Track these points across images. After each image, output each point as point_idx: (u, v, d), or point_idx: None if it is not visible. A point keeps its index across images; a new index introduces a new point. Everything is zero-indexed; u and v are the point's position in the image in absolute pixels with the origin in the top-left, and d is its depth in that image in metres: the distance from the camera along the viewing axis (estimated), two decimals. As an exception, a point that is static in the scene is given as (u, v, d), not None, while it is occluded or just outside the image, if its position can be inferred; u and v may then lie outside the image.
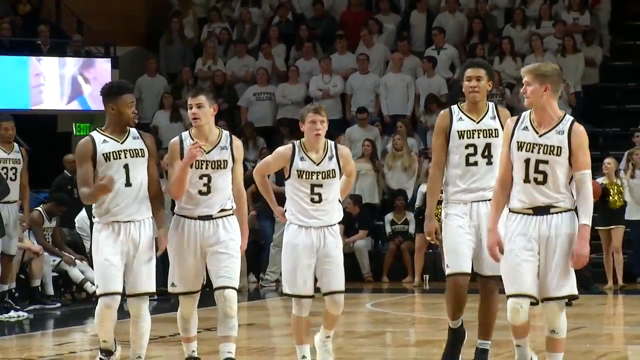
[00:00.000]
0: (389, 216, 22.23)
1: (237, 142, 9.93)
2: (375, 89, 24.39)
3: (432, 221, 9.80)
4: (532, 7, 25.55)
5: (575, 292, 8.70)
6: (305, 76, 24.36)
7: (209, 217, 9.75)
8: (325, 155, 10.00)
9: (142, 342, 9.48)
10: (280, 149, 10.21)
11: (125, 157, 9.35)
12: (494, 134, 9.71)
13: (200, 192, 9.74)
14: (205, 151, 9.70)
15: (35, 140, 21.79)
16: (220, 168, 9.76)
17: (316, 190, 9.95)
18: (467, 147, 9.66)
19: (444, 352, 10.18)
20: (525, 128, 8.71)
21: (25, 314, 17.16)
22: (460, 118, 9.72)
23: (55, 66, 24.04)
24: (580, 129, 8.58)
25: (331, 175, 9.96)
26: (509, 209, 8.73)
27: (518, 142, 8.67)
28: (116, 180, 9.25)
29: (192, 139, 9.74)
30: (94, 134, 9.47)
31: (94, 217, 9.46)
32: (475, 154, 9.74)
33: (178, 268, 9.91)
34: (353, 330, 14.97)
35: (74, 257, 18.82)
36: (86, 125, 24.38)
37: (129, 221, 9.36)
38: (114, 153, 9.33)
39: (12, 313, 16.69)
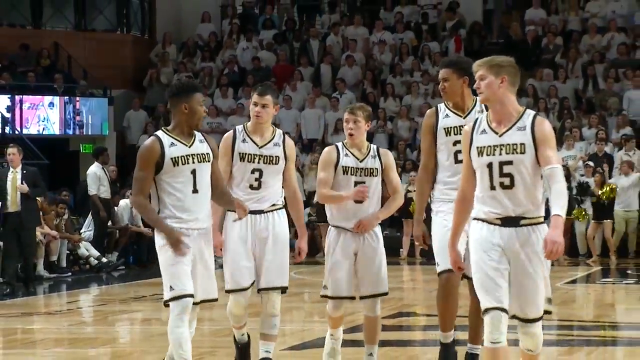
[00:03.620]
0: (307, 209, 21.46)
1: (290, 142, 7.91)
2: (297, 119, 24.30)
3: (420, 226, 7.63)
4: (407, 62, 25.36)
5: (542, 312, 6.12)
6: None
7: (259, 212, 7.62)
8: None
9: (188, 348, 6.81)
10: (324, 155, 7.81)
11: (194, 162, 6.84)
12: None
13: (252, 187, 7.64)
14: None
15: (53, 157, 21.62)
16: (272, 164, 7.73)
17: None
18: (454, 144, 7.35)
19: None
20: (484, 131, 6.17)
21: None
22: (447, 115, 7.42)
23: (67, 103, 23.98)
24: (544, 123, 6.13)
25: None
26: (474, 218, 6.18)
27: (478, 147, 6.13)
28: (183, 187, 6.83)
29: (248, 134, 7.74)
30: (161, 135, 6.94)
31: None
32: None
33: (231, 265, 7.67)
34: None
35: (78, 239, 18.65)
36: (90, 145, 24.56)
37: (196, 229, 6.84)
38: (183, 157, 6.84)
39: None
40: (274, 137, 7.76)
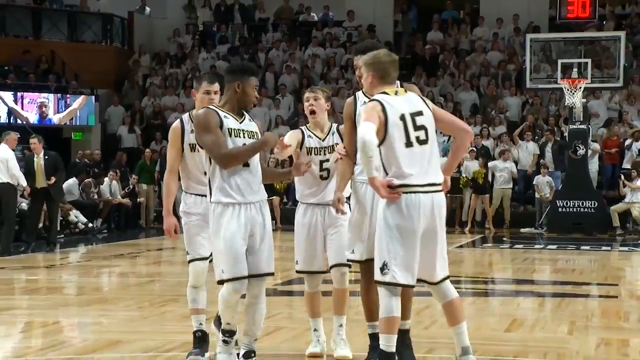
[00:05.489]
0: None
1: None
2: None
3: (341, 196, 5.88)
4: (334, 72, 25.36)
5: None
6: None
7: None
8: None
9: (260, 324, 5.81)
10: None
11: (244, 137, 5.73)
12: None
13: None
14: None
15: (48, 143, 21.34)
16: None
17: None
18: None
19: None
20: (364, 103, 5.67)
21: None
22: (364, 102, 5.79)
23: (60, 99, 23.71)
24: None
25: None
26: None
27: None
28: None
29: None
30: (214, 108, 5.79)
31: (210, 198, 5.71)
32: None
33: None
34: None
35: (69, 208, 18.39)
36: (80, 134, 24.52)
37: (250, 203, 5.67)
38: (236, 130, 5.73)
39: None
40: (331, 128, 6.49)
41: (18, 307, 9.55)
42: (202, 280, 6.30)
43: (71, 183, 19.16)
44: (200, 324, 6.33)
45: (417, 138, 5.28)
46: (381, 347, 5.21)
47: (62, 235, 17.87)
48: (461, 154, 5.68)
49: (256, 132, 5.83)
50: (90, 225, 18.96)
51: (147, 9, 28.81)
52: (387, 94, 5.39)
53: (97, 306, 9.28)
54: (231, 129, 5.68)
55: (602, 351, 6.82)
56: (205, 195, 5.90)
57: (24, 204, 16.90)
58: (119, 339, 7.24)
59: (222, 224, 5.60)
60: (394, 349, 5.22)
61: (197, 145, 5.85)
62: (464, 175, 19.62)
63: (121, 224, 20.20)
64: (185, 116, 6.37)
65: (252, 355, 5.77)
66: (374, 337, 5.88)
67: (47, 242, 15.71)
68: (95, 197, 19.70)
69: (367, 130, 5.10)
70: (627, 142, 20.41)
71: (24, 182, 14.83)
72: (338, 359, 6.23)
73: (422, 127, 5.31)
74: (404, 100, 5.36)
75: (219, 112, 5.71)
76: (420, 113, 5.34)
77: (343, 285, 6.29)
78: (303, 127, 6.52)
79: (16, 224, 16.67)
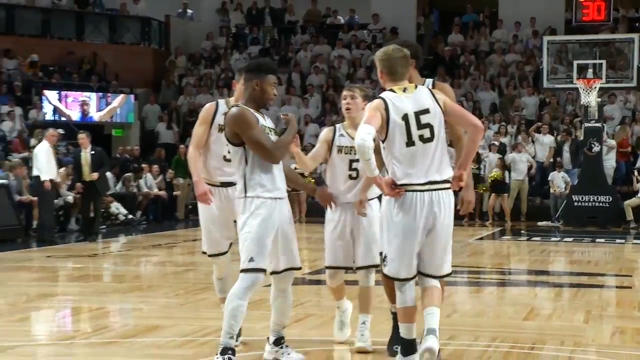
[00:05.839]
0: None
1: None
2: (277, 114, 23.23)
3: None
4: (359, 72, 25.07)
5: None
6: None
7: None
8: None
9: (289, 313, 5.71)
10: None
11: (270, 133, 5.47)
12: None
13: (351, 177, 6.07)
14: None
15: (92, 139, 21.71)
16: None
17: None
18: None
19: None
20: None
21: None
22: (340, 134, 6.09)
23: (102, 98, 23.82)
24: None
25: None
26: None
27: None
28: None
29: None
30: (243, 106, 5.47)
31: (246, 194, 5.39)
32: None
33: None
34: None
35: (110, 200, 18.47)
36: (120, 130, 24.69)
37: (280, 198, 5.44)
38: (263, 127, 5.45)
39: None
40: None
41: (65, 293, 9.65)
42: (225, 271, 6.30)
43: (112, 177, 19.28)
44: None
45: (421, 137, 5.08)
46: (401, 335, 5.22)
47: (104, 227, 17.94)
48: (473, 148, 5.27)
49: (274, 128, 5.57)
50: (130, 216, 19.08)
51: (189, 11, 28.92)
52: (394, 91, 5.16)
53: (137, 293, 9.37)
54: (263, 125, 5.45)
55: (617, 339, 6.78)
56: (220, 185, 5.92)
57: (70, 197, 17.11)
58: (158, 324, 7.28)
59: (257, 218, 5.36)
60: (414, 336, 5.18)
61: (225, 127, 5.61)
62: (483, 177, 19.49)
63: (158, 216, 20.29)
64: (222, 100, 6.28)
65: (282, 341, 5.75)
66: (396, 317, 5.75)
67: (90, 233, 15.79)
68: (135, 190, 19.83)
69: (363, 135, 4.93)
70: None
71: (44, 177, 14.80)
72: (357, 350, 6.06)
73: (427, 125, 5.10)
74: (410, 99, 5.13)
75: (251, 109, 5.45)
76: (426, 111, 5.12)
77: (368, 284, 6.11)
78: (338, 125, 6.19)
79: (61, 216, 17.02)
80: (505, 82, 24.27)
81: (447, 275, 5.27)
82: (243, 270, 5.37)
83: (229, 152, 5.72)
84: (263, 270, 5.38)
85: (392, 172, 5.12)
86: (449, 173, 5.18)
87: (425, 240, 5.11)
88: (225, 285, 6.24)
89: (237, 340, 5.77)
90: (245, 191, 5.43)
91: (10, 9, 24.81)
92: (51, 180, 14.98)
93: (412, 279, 5.18)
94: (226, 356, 5.31)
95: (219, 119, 6.04)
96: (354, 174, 6.09)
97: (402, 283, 5.16)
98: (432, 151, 5.11)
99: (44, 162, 14.86)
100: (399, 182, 5.08)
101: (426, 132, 5.10)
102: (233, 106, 5.56)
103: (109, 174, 19.10)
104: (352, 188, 6.06)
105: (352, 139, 5.71)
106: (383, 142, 5.14)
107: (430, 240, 5.13)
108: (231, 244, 6.26)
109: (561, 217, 19.05)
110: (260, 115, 5.49)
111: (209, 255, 6.28)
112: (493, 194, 19.50)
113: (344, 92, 6.14)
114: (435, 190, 5.09)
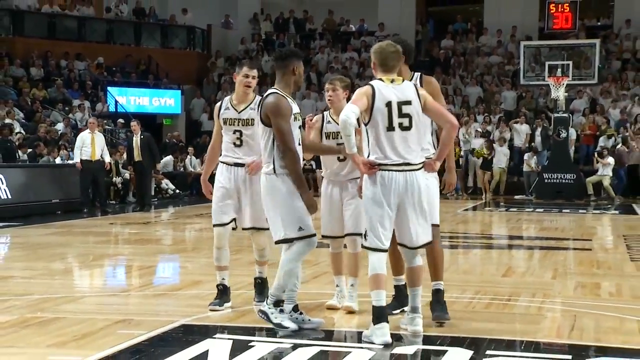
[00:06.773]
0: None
1: None
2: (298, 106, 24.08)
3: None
4: (368, 71, 24.45)
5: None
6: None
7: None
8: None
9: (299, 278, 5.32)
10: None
11: (299, 119, 5.05)
12: None
13: (339, 159, 5.69)
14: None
15: (146, 127, 21.45)
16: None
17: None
18: None
19: None
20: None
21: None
22: (328, 121, 5.71)
23: (155, 92, 23.90)
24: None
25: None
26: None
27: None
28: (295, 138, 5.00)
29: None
30: (282, 94, 4.99)
31: (277, 171, 4.97)
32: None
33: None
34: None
35: (161, 178, 18.46)
36: (169, 120, 24.57)
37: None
38: (296, 114, 5.02)
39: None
40: None
41: (122, 254, 9.61)
42: (223, 242, 5.79)
43: (167, 160, 19.32)
44: (223, 278, 5.85)
45: (400, 124, 4.73)
46: (373, 302, 4.72)
47: (156, 200, 17.93)
48: (448, 142, 4.88)
49: (300, 113, 5.10)
50: (177, 191, 19.10)
51: (232, 21, 28.78)
52: (382, 81, 4.81)
53: (182, 254, 9.32)
54: (296, 113, 5.01)
55: (579, 292, 6.75)
56: (233, 165, 5.60)
57: (127, 174, 17.18)
58: (200, 279, 7.19)
59: (293, 191, 4.97)
60: (383, 303, 4.72)
61: (228, 120, 5.48)
62: (477, 149, 19.63)
63: (200, 191, 20.13)
64: (227, 97, 5.82)
65: (298, 308, 5.21)
66: (397, 289, 5.66)
67: (144, 204, 15.77)
68: (182, 170, 19.92)
69: (348, 112, 4.62)
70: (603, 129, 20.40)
71: (75, 159, 14.76)
72: (345, 309, 5.67)
73: (407, 115, 4.74)
74: (396, 89, 4.78)
75: (288, 99, 4.99)
76: (408, 102, 4.76)
77: (355, 250, 5.67)
78: (325, 112, 5.76)
79: (121, 190, 17.07)
80: (489, 80, 24.15)
81: (422, 246, 4.90)
82: (295, 239, 4.99)
83: (237, 139, 5.61)
84: (314, 235, 5.03)
85: (372, 152, 4.78)
86: (422, 158, 4.87)
87: (397, 214, 4.78)
88: (221, 255, 5.81)
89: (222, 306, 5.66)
90: (275, 169, 5.03)
91: (82, 20, 24.95)
92: (82, 161, 14.67)
93: (385, 250, 4.79)
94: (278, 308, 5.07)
95: (223, 114, 5.72)
96: (341, 156, 5.64)
97: (373, 252, 4.76)
98: (409, 139, 4.78)
99: (77, 147, 14.76)
100: (377, 162, 4.74)
101: (405, 121, 4.76)
102: (270, 93, 5.03)
103: (168, 158, 19.19)
104: (343, 168, 5.68)
105: (337, 124, 5.44)
106: (366, 125, 4.79)
107: (402, 214, 4.79)
108: (234, 219, 5.74)
109: (534, 192, 19.04)
110: (293, 102, 5.04)
111: (213, 225, 5.79)
112: (480, 170, 19.58)
113: (327, 86, 5.77)
114: (409, 171, 4.76)
